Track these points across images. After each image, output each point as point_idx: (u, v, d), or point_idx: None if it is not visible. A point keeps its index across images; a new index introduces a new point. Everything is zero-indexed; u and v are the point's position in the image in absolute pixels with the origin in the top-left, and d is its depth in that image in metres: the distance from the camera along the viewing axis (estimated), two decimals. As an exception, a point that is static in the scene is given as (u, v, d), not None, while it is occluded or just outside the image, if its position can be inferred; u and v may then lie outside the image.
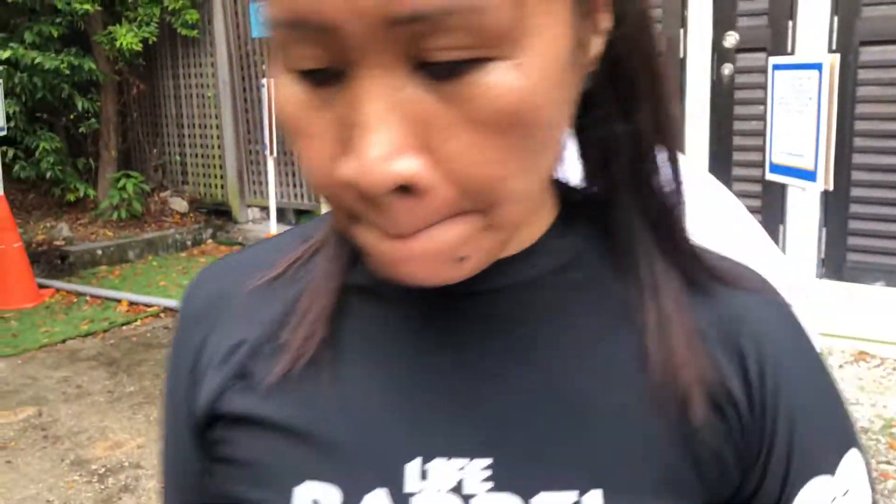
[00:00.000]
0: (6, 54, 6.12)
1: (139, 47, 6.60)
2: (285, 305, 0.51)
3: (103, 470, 3.01)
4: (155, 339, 4.54)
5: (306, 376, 0.48)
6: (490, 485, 0.44)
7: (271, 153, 3.73)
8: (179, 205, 7.68)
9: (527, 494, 0.44)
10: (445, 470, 0.45)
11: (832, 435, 0.49)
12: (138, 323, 4.83)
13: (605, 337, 0.48)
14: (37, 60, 6.16)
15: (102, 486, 2.89)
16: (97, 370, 4.05)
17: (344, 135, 0.37)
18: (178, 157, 7.80)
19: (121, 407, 3.58)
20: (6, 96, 6.36)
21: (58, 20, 6.40)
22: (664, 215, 0.49)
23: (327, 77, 0.37)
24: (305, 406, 0.48)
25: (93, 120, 7.07)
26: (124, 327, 4.75)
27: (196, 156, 7.63)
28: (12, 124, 6.58)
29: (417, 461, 0.45)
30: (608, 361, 0.47)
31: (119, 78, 7.19)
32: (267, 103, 3.69)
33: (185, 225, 7.25)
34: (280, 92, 0.39)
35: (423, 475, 0.45)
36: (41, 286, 5.45)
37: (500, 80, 0.35)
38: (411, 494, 0.45)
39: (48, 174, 6.88)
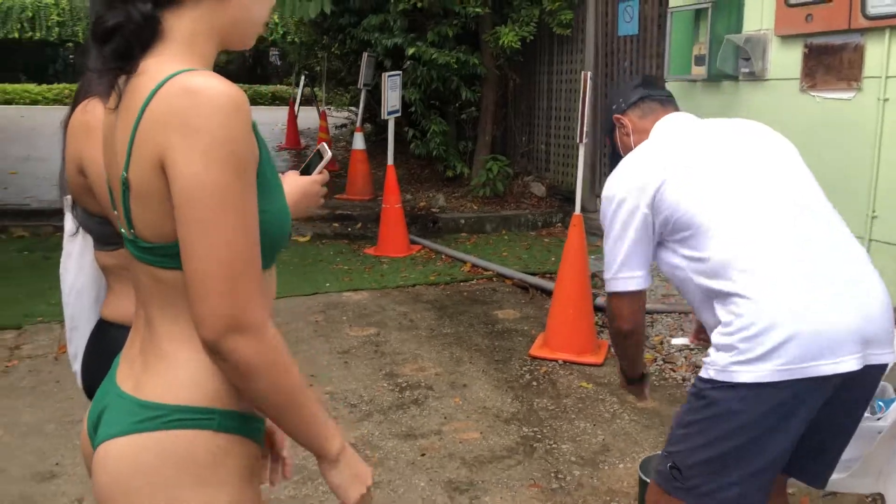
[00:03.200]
0: (412, 51, 7.44)
1: (518, 45, 7.43)
2: None
3: (405, 384, 3.73)
4: (482, 296, 5.25)
5: None
6: None
7: (580, 140, 4.06)
8: (538, 189, 8.44)
9: None
10: None
11: None
12: (474, 282, 5.61)
13: None
14: (433, 56, 7.37)
15: (400, 396, 3.60)
16: (429, 311, 4.88)
17: None
18: (543, 146, 8.55)
19: (435, 343, 4.31)
20: (409, 86, 7.75)
21: (454, 22, 7.55)
22: None
23: None
24: None
25: (473, 108, 8.16)
26: (462, 283, 5.57)
27: (559, 146, 8.29)
28: (413, 109, 7.98)
29: None
30: None
31: (499, 72, 8.16)
32: (582, 95, 4.03)
33: (539, 208, 7.96)
34: None
35: None
36: (412, 242, 6.61)
37: None
38: None
39: (434, 152, 8.17)
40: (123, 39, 0.96)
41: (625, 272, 1.77)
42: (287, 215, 1.07)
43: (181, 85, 0.92)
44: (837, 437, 1.70)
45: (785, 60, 5.03)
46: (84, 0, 21.63)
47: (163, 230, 0.97)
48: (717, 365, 1.59)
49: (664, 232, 1.71)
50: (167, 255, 0.98)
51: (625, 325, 1.83)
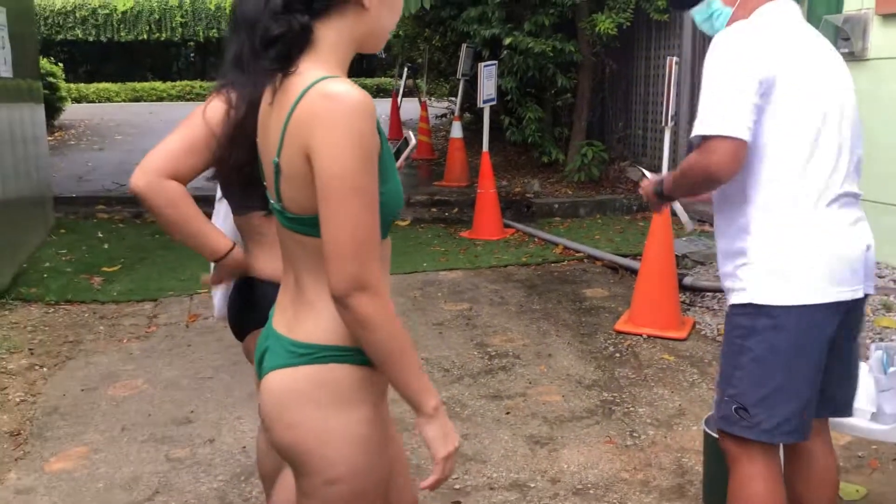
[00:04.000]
0: (509, 41, 7.67)
1: (614, 31, 7.51)
2: None
3: (494, 353, 4.02)
4: (571, 276, 5.45)
5: None
6: None
7: (665, 124, 4.20)
8: (635, 174, 8.46)
9: None
10: None
11: None
12: (564, 263, 5.81)
13: None
14: (529, 45, 7.57)
15: (489, 363, 3.89)
16: (519, 289, 5.14)
17: None
18: (640, 132, 8.59)
19: (524, 318, 4.57)
20: (506, 75, 7.98)
21: (551, 11, 7.71)
22: None
23: None
24: None
25: (569, 95, 8.31)
26: (553, 265, 5.79)
27: (656, 130, 8.30)
28: (509, 98, 8.21)
29: None
30: None
31: (595, 59, 8.26)
32: (667, 79, 4.16)
33: (635, 192, 8.01)
34: None
35: None
36: (506, 226, 6.86)
37: None
38: None
39: (530, 139, 8.37)
40: (285, 45, 1.21)
41: (734, 118, 1.67)
42: (400, 194, 1.31)
43: (322, 90, 1.16)
44: (851, 361, 1.88)
45: (886, 39, 4.95)
46: (204, 3, 23.05)
47: (305, 205, 1.22)
48: (755, 289, 1.75)
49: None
50: (309, 224, 1.23)
51: (717, 170, 1.68)
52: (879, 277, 4.85)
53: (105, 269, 5.80)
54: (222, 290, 2.01)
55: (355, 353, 1.27)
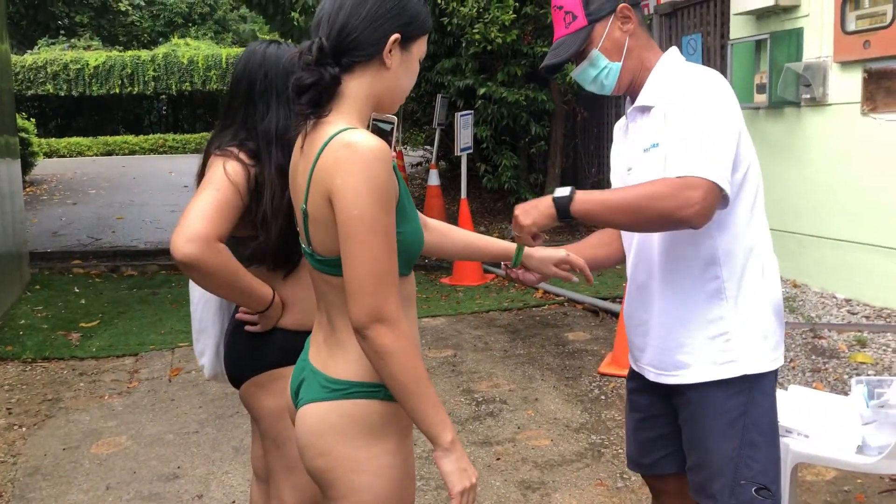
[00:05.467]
0: (483, 91, 7.86)
1: (584, 80, 7.73)
2: None
3: (481, 399, 4.03)
4: (553, 320, 5.51)
5: None
6: None
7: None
8: (609, 218, 8.65)
9: None
10: None
11: None
12: (545, 307, 5.87)
13: None
14: (503, 95, 7.76)
15: (477, 409, 3.90)
16: (503, 334, 5.18)
17: None
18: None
19: (508, 362, 4.60)
20: (480, 124, 8.15)
21: (523, 62, 7.93)
22: None
23: None
24: None
25: (543, 142, 8.50)
26: (534, 309, 5.84)
27: (628, 175, 8.49)
28: (484, 146, 8.37)
29: None
30: None
31: (567, 107, 8.48)
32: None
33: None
34: None
35: None
36: (486, 271, 6.93)
37: None
38: None
39: (506, 186, 8.52)
40: (317, 93, 1.32)
41: (728, 174, 1.52)
42: (420, 234, 1.40)
43: (343, 140, 1.27)
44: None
45: (845, 86, 5.17)
46: (176, 57, 23.23)
47: (331, 247, 1.31)
48: (748, 359, 1.62)
49: None
50: (335, 265, 1.31)
51: (701, 221, 1.50)
52: (851, 314, 4.98)
53: (83, 324, 5.73)
54: (211, 349, 2.04)
55: (383, 390, 1.34)
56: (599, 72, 1.70)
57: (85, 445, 3.63)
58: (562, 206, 1.59)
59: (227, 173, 1.72)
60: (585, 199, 1.58)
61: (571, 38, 1.69)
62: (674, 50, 1.74)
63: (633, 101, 1.75)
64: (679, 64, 1.69)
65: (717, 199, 1.51)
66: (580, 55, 1.70)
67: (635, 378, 1.85)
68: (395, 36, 1.34)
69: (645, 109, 1.70)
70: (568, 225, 8.18)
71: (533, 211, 1.63)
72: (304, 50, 1.33)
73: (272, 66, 1.81)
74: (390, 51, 1.34)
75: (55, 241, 8.72)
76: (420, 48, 1.41)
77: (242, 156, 1.75)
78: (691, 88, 1.59)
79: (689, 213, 1.48)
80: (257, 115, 1.81)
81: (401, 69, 1.38)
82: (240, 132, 1.81)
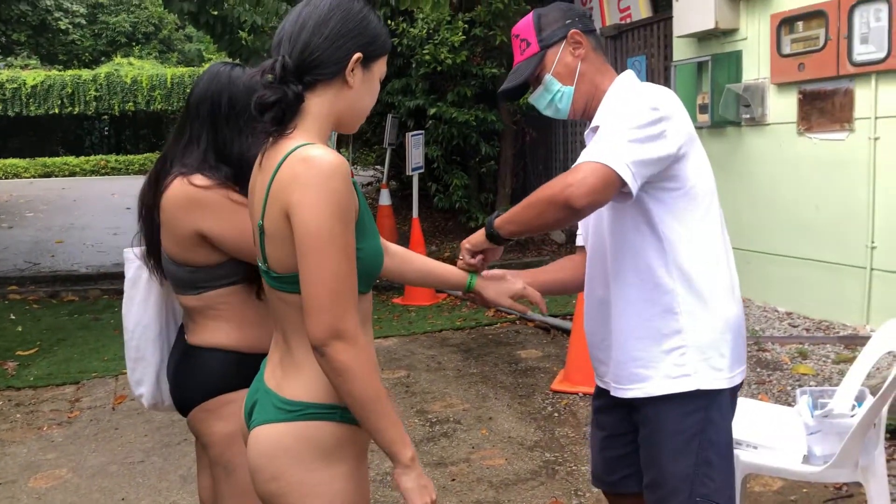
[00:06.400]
0: (433, 111, 7.91)
1: (532, 101, 7.85)
2: None
3: (435, 419, 4.00)
4: (505, 339, 5.52)
5: None
6: None
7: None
8: (558, 236, 8.75)
9: None
10: None
11: None
12: (497, 325, 5.89)
13: None
14: (453, 115, 7.82)
15: (431, 430, 3.87)
16: (455, 354, 5.17)
17: None
18: (561, 195, 8.90)
19: (462, 382, 4.58)
20: (431, 144, 8.19)
21: (473, 83, 8.02)
22: None
23: None
24: None
25: (493, 162, 8.58)
26: (486, 327, 5.85)
27: (576, 194, 8.62)
28: (435, 165, 8.41)
29: None
30: None
31: (516, 127, 8.59)
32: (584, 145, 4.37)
33: (560, 254, 8.25)
34: None
35: None
36: (437, 291, 6.92)
37: None
38: None
39: (457, 205, 8.56)
40: (280, 110, 1.31)
41: (632, 167, 1.50)
42: (379, 251, 1.40)
43: (301, 155, 1.26)
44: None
45: (782, 106, 5.36)
46: (119, 76, 22.77)
47: (288, 263, 1.29)
48: (702, 374, 1.61)
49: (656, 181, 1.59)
50: (292, 282, 1.29)
51: (580, 200, 1.49)
52: (793, 327, 5.13)
53: (20, 352, 5.51)
54: (151, 377, 1.97)
55: (339, 411, 1.32)
56: (553, 96, 1.75)
57: (22, 479, 3.48)
58: (488, 223, 1.70)
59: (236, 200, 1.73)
60: (505, 214, 1.67)
61: (525, 63, 1.76)
62: (629, 73, 1.78)
63: (589, 123, 1.79)
64: (631, 85, 1.72)
65: (608, 183, 1.49)
66: (536, 80, 1.76)
67: (601, 396, 1.85)
68: (358, 55, 1.34)
69: (595, 130, 1.73)
70: (518, 244, 8.26)
71: (472, 235, 1.76)
72: (266, 68, 1.33)
73: (237, 88, 1.78)
74: (352, 70, 1.35)
75: (-10, 267, 8.39)
76: (381, 68, 1.42)
77: (228, 182, 1.74)
78: (626, 101, 1.64)
79: (568, 193, 1.50)
80: (228, 138, 1.78)
81: (363, 88, 1.39)
82: (208, 155, 1.77)
